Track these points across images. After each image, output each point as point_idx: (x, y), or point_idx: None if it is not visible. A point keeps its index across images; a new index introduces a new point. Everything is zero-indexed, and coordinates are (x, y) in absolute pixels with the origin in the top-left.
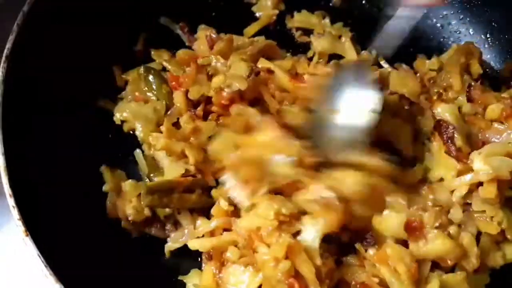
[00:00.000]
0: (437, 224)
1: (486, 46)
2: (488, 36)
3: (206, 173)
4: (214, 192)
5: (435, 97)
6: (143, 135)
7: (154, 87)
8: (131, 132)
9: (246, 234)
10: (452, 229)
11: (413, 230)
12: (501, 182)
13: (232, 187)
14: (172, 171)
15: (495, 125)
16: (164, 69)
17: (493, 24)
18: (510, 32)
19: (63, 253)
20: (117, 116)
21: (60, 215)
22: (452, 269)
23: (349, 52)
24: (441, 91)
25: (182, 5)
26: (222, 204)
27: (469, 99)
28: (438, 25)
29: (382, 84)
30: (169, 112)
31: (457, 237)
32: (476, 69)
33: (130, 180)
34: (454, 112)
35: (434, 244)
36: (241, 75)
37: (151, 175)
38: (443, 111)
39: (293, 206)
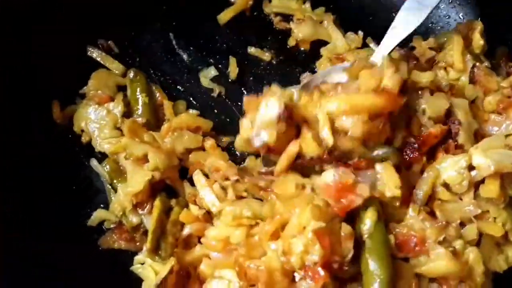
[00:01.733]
0: (440, 239)
1: None
2: (480, 19)
3: (173, 178)
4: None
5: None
6: (99, 140)
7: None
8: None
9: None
10: (458, 244)
11: (413, 245)
12: (505, 179)
13: (203, 188)
14: (136, 177)
15: (493, 116)
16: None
17: (485, 6)
18: (503, 14)
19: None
20: (76, 127)
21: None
22: None
23: (334, 35)
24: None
25: None
26: (192, 209)
27: (472, 80)
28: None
29: None
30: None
31: (462, 253)
32: (478, 40)
33: None
34: (465, 108)
35: (438, 263)
36: None
37: (114, 181)
38: (456, 105)
39: (259, 207)
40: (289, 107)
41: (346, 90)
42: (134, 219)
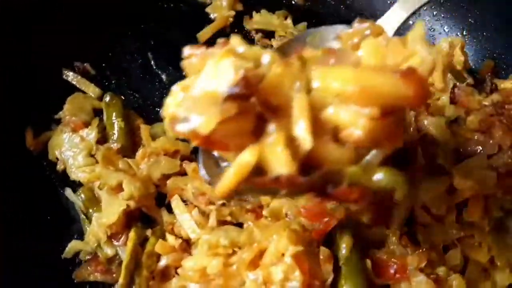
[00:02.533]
0: (422, 266)
1: None
2: (464, 33)
3: (150, 206)
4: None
5: (422, 108)
6: (73, 168)
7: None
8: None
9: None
10: (441, 271)
11: (393, 272)
12: (489, 200)
13: (182, 214)
14: (111, 207)
15: (476, 136)
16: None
17: (469, 20)
18: (489, 28)
19: None
20: (51, 155)
21: None
22: None
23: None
24: (428, 101)
25: (131, 6)
26: (169, 238)
27: (452, 101)
28: (410, 22)
29: None
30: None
31: (445, 280)
32: (459, 56)
33: None
34: (441, 125)
35: None
36: None
37: (90, 210)
38: (429, 124)
39: (237, 235)
40: (251, 78)
41: (343, 62)
42: (109, 251)
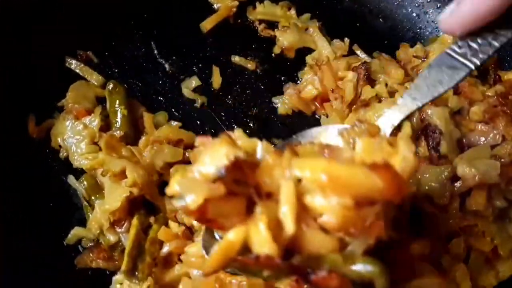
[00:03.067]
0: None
1: None
2: None
3: (152, 194)
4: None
5: None
6: (76, 155)
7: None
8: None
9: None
10: (445, 260)
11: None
12: (492, 190)
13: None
14: (113, 194)
15: (479, 126)
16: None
17: None
18: None
19: None
20: (53, 142)
21: None
22: None
23: (320, 42)
24: None
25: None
26: (172, 226)
27: (456, 92)
28: (414, 14)
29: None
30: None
31: (449, 269)
32: None
33: None
34: (444, 116)
35: (423, 281)
36: None
37: (92, 198)
38: (432, 114)
39: None
40: (241, 164)
41: (334, 156)
42: (112, 238)
